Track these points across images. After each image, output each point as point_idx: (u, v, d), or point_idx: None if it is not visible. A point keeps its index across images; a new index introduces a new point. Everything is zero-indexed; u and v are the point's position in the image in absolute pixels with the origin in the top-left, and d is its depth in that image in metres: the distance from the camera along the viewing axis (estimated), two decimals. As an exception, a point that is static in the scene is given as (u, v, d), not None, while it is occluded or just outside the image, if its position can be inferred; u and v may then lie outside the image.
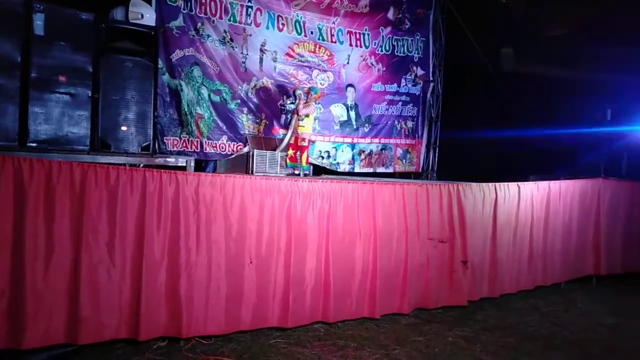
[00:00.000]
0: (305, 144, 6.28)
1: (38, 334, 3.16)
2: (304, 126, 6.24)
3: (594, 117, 6.65)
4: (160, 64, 5.83)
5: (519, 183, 5.42)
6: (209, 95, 6.40)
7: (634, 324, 4.68)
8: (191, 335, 3.67)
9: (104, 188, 3.37)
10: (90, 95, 3.90)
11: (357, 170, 7.60)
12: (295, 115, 6.34)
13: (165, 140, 5.99)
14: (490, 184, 5.19)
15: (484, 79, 7.76)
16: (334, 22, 7.40)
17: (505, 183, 5.31)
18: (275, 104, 6.92)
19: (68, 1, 3.84)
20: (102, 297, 3.36)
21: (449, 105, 8.39)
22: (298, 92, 6.57)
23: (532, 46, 7.03)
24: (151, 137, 4.25)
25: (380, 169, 7.88)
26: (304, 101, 6.34)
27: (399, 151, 8.13)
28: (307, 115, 6.26)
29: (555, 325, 4.56)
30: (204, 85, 6.36)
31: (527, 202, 5.45)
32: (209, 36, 6.36)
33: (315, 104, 6.63)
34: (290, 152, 6.28)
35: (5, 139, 3.55)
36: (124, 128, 4.10)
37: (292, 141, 6.35)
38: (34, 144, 3.72)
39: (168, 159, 4.19)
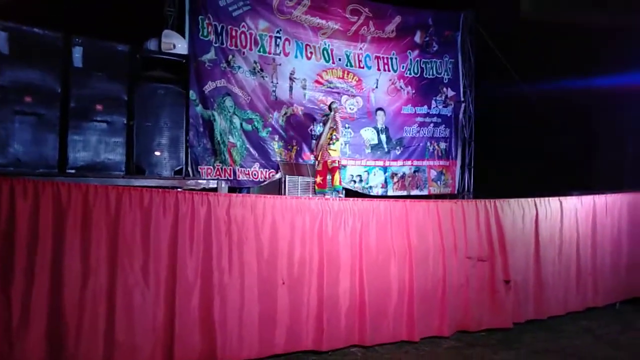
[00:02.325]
0: (337, 165, 6.25)
1: (77, 358, 3.17)
2: (335, 150, 6.24)
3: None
4: (194, 95, 6.04)
5: (560, 198, 5.17)
6: (241, 124, 6.53)
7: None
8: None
9: (137, 210, 3.41)
10: (125, 122, 4.04)
11: (390, 193, 7.49)
12: (330, 126, 6.29)
13: (199, 170, 6.12)
14: (529, 199, 4.98)
15: (518, 98, 7.59)
16: (361, 48, 7.49)
17: (546, 198, 5.08)
18: (305, 130, 6.99)
19: (105, 33, 4.05)
20: (137, 320, 3.34)
21: (484, 126, 8.23)
22: (335, 105, 6.58)
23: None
24: (184, 161, 4.34)
25: (415, 192, 7.74)
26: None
27: (433, 173, 7.98)
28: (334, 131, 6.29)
29: (611, 348, 4.22)
30: (236, 114, 6.51)
31: (571, 217, 5.19)
32: (239, 67, 6.55)
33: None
34: (319, 179, 6.27)
35: (45, 166, 3.70)
36: (157, 153, 4.21)
37: (319, 167, 6.33)
38: (73, 171, 3.86)
39: (200, 181, 4.26)
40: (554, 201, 5.12)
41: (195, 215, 3.60)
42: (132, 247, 3.38)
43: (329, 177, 6.22)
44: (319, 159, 6.33)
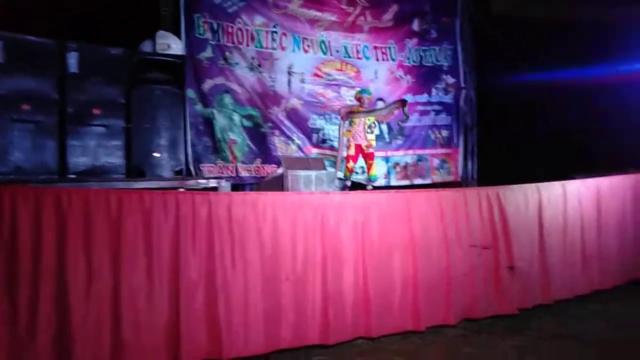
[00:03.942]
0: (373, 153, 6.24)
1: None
2: (373, 139, 6.20)
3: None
4: (193, 94, 6.04)
5: (563, 182, 5.14)
6: (241, 120, 6.54)
7: None
8: (232, 357, 3.61)
9: (139, 212, 3.44)
10: (123, 125, 4.06)
11: (393, 183, 7.48)
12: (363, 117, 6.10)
13: (202, 168, 6.13)
14: (532, 184, 4.95)
15: (520, 83, 7.51)
16: (358, 39, 7.44)
17: (549, 183, 5.05)
18: (305, 124, 6.98)
19: (100, 37, 4.06)
20: (143, 322, 3.38)
21: (486, 112, 8.17)
22: (367, 95, 6.32)
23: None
24: (184, 162, 4.36)
25: (418, 181, 7.72)
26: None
27: (436, 161, 7.95)
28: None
29: (619, 330, 4.20)
30: (236, 111, 6.51)
31: (575, 201, 5.15)
32: (237, 64, 6.54)
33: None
34: (351, 164, 6.16)
35: (46, 172, 3.73)
36: (156, 154, 4.23)
37: (351, 152, 6.13)
38: (74, 176, 3.89)
39: (200, 181, 4.28)
40: (557, 186, 5.08)
41: (196, 215, 3.62)
42: (134, 250, 3.40)
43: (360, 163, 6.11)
44: (347, 142, 6.13)
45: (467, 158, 8.18)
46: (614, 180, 5.46)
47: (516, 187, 4.86)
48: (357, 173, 7.25)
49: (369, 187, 6.16)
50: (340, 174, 6.33)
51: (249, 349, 3.66)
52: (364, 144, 6.02)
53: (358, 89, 7.34)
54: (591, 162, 6.31)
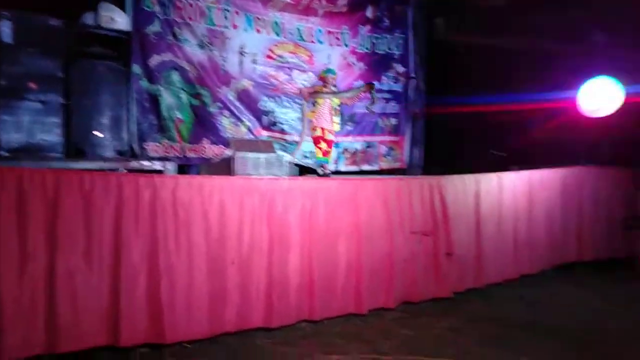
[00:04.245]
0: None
1: (17, 343, 3.10)
2: (337, 123, 5.76)
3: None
4: (138, 69, 5.79)
5: (499, 174, 5.44)
6: (189, 99, 6.36)
7: (618, 308, 4.70)
8: (175, 341, 3.61)
9: (78, 193, 3.32)
10: (62, 101, 3.85)
11: (342, 169, 7.58)
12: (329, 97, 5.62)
13: (145, 146, 5.93)
14: (471, 175, 5.20)
15: (468, 74, 7.78)
16: (312, 23, 7.39)
17: (487, 174, 5.33)
18: (256, 105, 6.90)
19: (37, 8, 3.80)
20: (80, 305, 3.30)
21: (433, 102, 8.41)
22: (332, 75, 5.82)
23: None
24: (127, 142, 4.21)
25: (366, 167, 7.87)
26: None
27: (383, 148, 8.13)
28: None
29: (540, 313, 4.57)
30: (184, 89, 6.32)
31: (509, 192, 5.48)
32: (186, 40, 6.33)
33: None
34: (324, 145, 5.54)
35: (-24, 149, 3.50)
36: (97, 133, 4.06)
37: (319, 133, 5.58)
38: (6, 153, 3.67)
39: (144, 163, 4.16)
40: (494, 177, 5.37)
41: (139, 197, 3.55)
42: (73, 233, 3.29)
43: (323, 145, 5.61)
44: (311, 125, 5.66)
45: (413, 146, 8.41)
46: (545, 173, 5.84)
47: (456, 177, 5.09)
48: (306, 157, 7.30)
49: (320, 171, 6.01)
50: (298, 158, 6.15)
51: (193, 333, 3.67)
52: (328, 127, 5.63)
53: (311, 73, 7.36)
54: (527, 155, 6.70)
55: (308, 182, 4.24)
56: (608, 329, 4.15)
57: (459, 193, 5.06)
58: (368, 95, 5.87)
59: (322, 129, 5.58)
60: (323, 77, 5.97)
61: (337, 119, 5.71)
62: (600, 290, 5.26)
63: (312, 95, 5.70)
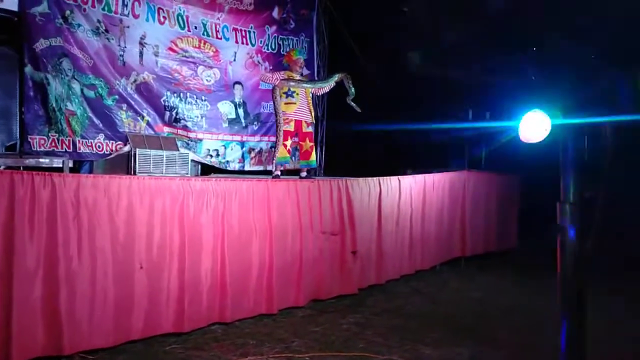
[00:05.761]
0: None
1: None
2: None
3: (459, 116, 7.42)
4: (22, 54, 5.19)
5: (399, 177, 5.87)
6: (82, 90, 5.85)
7: (496, 296, 5.36)
8: (74, 352, 3.36)
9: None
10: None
11: (247, 168, 7.55)
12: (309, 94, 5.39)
13: (30, 140, 5.30)
14: (375, 178, 5.54)
15: (365, 79, 8.19)
16: (218, 18, 7.24)
17: (388, 177, 5.72)
18: (157, 100, 6.57)
19: None
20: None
21: (335, 106, 8.71)
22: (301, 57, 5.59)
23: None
24: (18, 136, 3.78)
25: (271, 167, 7.89)
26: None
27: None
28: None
29: (433, 304, 5.05)
30: (75, 79, 5.79)
31: (407, 194, 5.94)
32: (79, 25, 5.80)
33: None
34: (290, 141, 5.35)
35: None
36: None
37: (290, 128, 5.25)
38: None
39: (41, 160, 3.76)
40: (394, 180, 5.78)
41: (36, 198, 3.23)
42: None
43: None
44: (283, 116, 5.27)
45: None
46: (436, 176, 6.43)
47: (361, 180, 5.39)
48: (211, 156, 7.14)
49: (303, 174, 5.51)
50: (278, 159, 5.53)
51: (95, 343, 3.44)
52: (308, 120, 5.30)
53: (216, 69, 7.20)
54: (419, 159, 7.29)
55: (221, 183, 4.19)
56: (487, 313, 4.72)
57: (364, 195, 5.37)
58: (345, 85, 5.46)
59: (300, 121, 5.24)
60: (294, 60, 5.58)
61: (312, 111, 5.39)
62: (481, 281, 5.99)
63: (283, 83, 5.24)
